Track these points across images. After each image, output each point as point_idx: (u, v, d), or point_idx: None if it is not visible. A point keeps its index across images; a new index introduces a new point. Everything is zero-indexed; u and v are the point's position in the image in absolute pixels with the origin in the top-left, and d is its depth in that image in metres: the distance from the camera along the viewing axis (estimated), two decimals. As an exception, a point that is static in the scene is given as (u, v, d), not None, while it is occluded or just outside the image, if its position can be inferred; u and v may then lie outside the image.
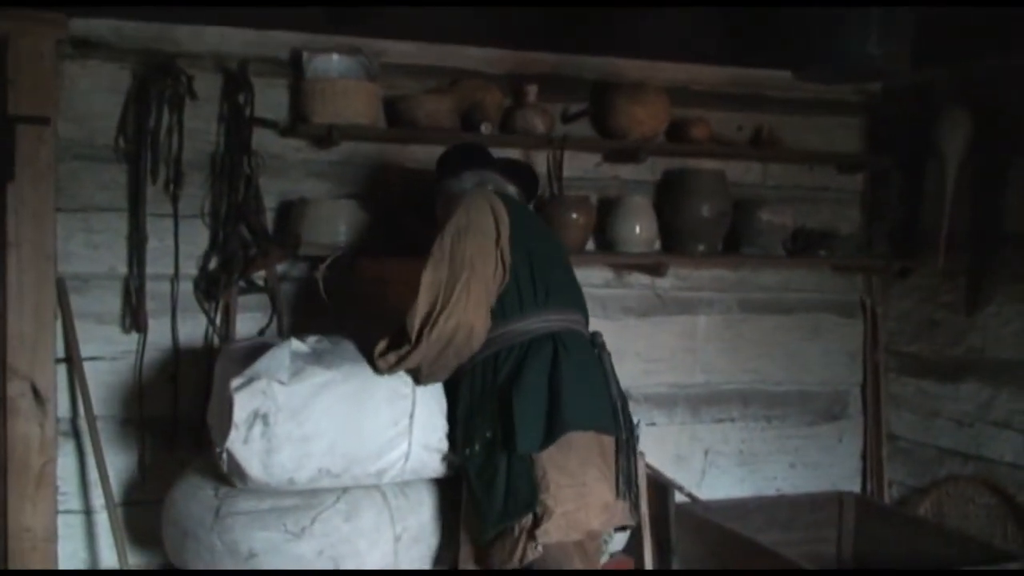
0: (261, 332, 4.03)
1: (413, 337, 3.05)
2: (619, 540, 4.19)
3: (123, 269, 3.94)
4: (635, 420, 3.22)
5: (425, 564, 3.30)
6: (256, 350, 3.20)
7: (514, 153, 4.39)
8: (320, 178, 4.17)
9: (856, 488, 5.05)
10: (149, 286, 3.94)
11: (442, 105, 4.11)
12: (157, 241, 3.94)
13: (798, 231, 4.70)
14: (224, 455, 3.02)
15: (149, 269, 3.93)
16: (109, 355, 3.96)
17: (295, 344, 3.24)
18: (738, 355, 4.87)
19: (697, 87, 4.68)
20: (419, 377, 3.17)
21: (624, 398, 3.19)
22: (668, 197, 4.55)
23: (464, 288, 3.02)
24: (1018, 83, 4.23)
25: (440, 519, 3.33)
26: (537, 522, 2.91)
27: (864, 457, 5.10)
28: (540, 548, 2.92)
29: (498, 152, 4.32)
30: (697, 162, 4.60)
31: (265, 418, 3.00)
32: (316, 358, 3.20)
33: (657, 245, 4.48)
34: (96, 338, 3.92)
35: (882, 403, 5.00)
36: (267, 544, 3.06)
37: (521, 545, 2.93)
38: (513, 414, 2.97)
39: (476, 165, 3.53)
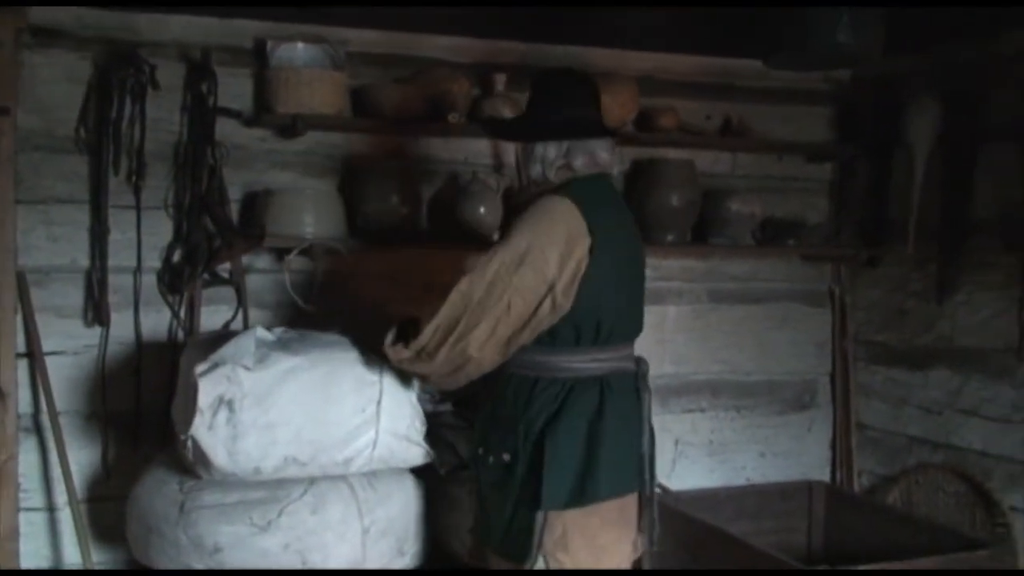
0: (226, 325, 3.99)
1: (424, 344, 2.88)
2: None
3: (85, 262, 3.88)
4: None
5: (394, 557, 3.28)
6: (221, 341, 3.17)
7: (482, 143, 4.38)
8: (285, 168, 4.13)
9: (826, 477, 5.06)
10: (111, 279, 3.88)
11: (409, 95, 4.08)
12: (119, 233, 3.89)
13: (767, 221, 4.70)
14: (189, 442, 2.99)
15: (111, 262, 3.87)
16: (71, 349, 3.91)
17: (261, 332, 3.22)
18: (707, 345, 4.86)
19: (666, 76, 4.66)
20: (429, 384, 3.11)
21: (653, 442, 3.02)
22: (637, 186, 4.53)
23: (490, 325, 2.80)
24: (986, 71, 4.24)
25: (408, 512, 3.31)
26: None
27: (833, 446, 5.11)
28: None
29: (466, 143, 4.34)
30: (666, 152, 4.59)
31: (230, 404, 2.97)
32: (282, 345, 3.17)
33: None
34: (58, 332, 3.87)
35: (851, 392, 5.01)
36: (233, 538, 3.04)
37: None
38: (543, 464, 2.77)
39: (583, 130, 2.96)
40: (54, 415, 3.76)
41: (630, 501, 2.95)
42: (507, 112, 4.18)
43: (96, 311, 3.87)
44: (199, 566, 3.07)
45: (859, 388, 5.00)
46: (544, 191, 2.93)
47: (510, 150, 4.29)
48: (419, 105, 4.10)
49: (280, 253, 4.05)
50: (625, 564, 2.96)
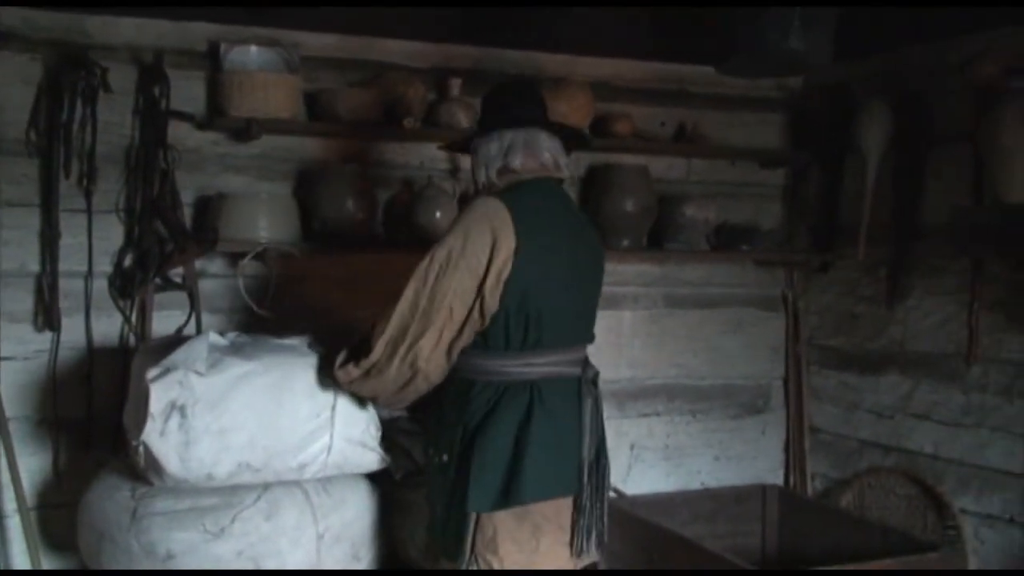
0: (179, 330, 3.95)
1: (376, 360, 2.89)
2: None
3: (35, 266, 3.84)
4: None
5: (349, 563, 3.26)
6: (174, 346, 3.14)
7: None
8: (239, 172, 4.10)
9: (779, 480, 5.09)
10: (62, 283, 3.83)
11: (364, 99, 4.07)
12: (70, 237, 3.84)
13: (721, 226, 4.73)
14: (140, 448, 2.96)
15: (62, 266, 3.82)
16: (21, 355, 3.86)
17: (213, 337, 3.19)
18: (663, 350, 4.88)
19: (620, 82, 4.68)
20: (379, 404, 3.14)
21: (599, 442, 2.98)
22: (592, 192, 4.55)
23: (436, 332, 2.83)
24: (936, 77, 4.29)
25: (364, 518, 3.30)
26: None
27: (787, 450, 5.14)
28: None
29: (421, 148, 4.33)
30: (621, 157, 4.60)
31: (182, 410, 2.94)
32: (235, 350, 3.15)
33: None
34: (7, 337, 3.82)
35: (804, 396, 5.04)
36: (185, 545, 3.01)
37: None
38: (470, 469, 2.79)
39: (510, 122, 3.00)
40: (3, 421, 3.70)
41: (565, 505, 2.92)
42: (462, 116, 4.18)
43: (47, 316, 3.83)
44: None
45: (812, 392, 5.04)
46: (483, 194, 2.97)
47: (465, 156, 4.27)
48: (374, 109, 4.09)
49: (234, 258, 4.02)
50: (563, 565, 2.92)
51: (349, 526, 3.24)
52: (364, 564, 3.33)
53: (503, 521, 2.81)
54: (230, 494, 3.09)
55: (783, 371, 5.13)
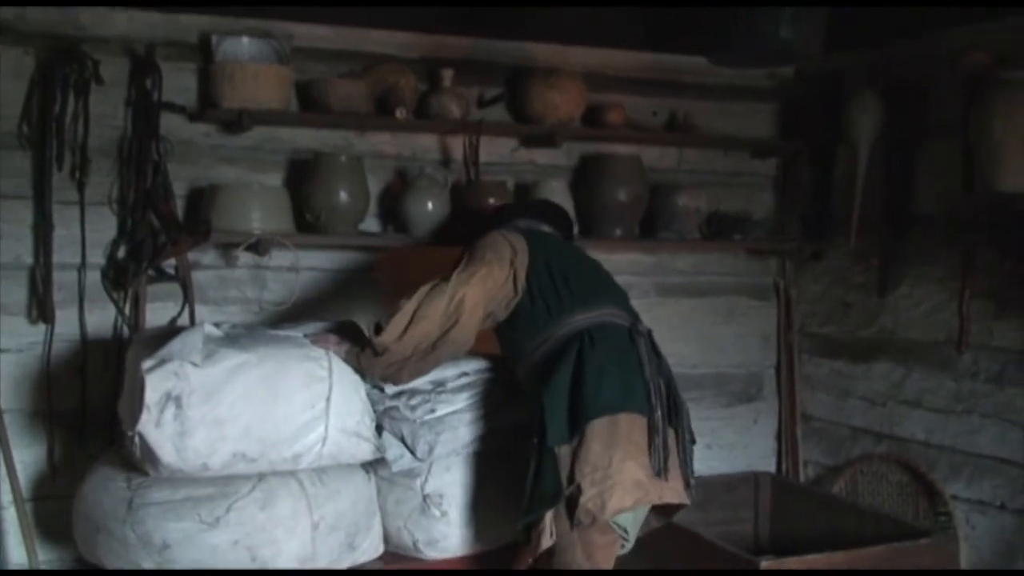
0: (173, 321, 3.95)
1: (417, 301, 3.10)
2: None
3: (28, 258, 3.84)
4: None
5: (344, 552, 3.27)
6: (168, 337, 3.14)
7: (430, 138, 4.39)
8: (231, 164, 4.11)
9: (771, 468, 5.11)
10: (56, 276, 3.84)
11: (356, 90, 4.07)
12: (63, 229, 3.85)
13: (713, 215, 4.74)
14: (136, 439, 2.96)
15: (55, 258, 3.83)
16: (15, 347, 3.87)
17: (208, 328, 3.19)
18: (655, 338, 4.88)
19: (612, 72, 4.69)
20: (402, 373, 3.24)
21: (668, 377, 3.17)
22: (584, 182, 4.56)
23: (479, 282, 3.12)
24: (927, 68, 4.30)
25: (358, 507, 3.30)
26: (569, 510, 2.95)
27: (779, 437, 5.16)
28: (553, 537, 2.96)
29: (414, 139, 4.34)
30: (613, 147, 4.61)
31: (178, 400, 2.94)
32: (230, 341, 3.15)
33: (575, 230, 4.48)
34: (2, 330, 3.83)
35: (796, 384, 5.07)
36: (181, 535, 3.01)
37: (546, 532, 2.98)
38: (544, 412, 2.99)
39: (506, 219, 3.54)
40: (-2, 413, 3.72)
41: (638, 424, 3.02)
42: (454, 107, 4.19)
43: (40, 308, 3.83)
44: (147, 563, 3.05)
45: (804, 380, 5.06)
46: None
47: (458, 146, 4.29)
48: (366, 100, 4.09)
49: (227, 249, 4.02)
50: (639, 485, 2.99)
51: (344, 515, 3.24)
52: (359, 552, 3.33)
53: (572, 449, 2.97)
54: (225, 484, 3.09)
55: (775, 359, 5.15)
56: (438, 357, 3.23)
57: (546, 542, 2.97)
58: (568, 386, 3.01)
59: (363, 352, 3.17)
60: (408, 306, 3.09)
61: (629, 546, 3.20)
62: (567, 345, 3.08)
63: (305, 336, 3.30)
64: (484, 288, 3.13)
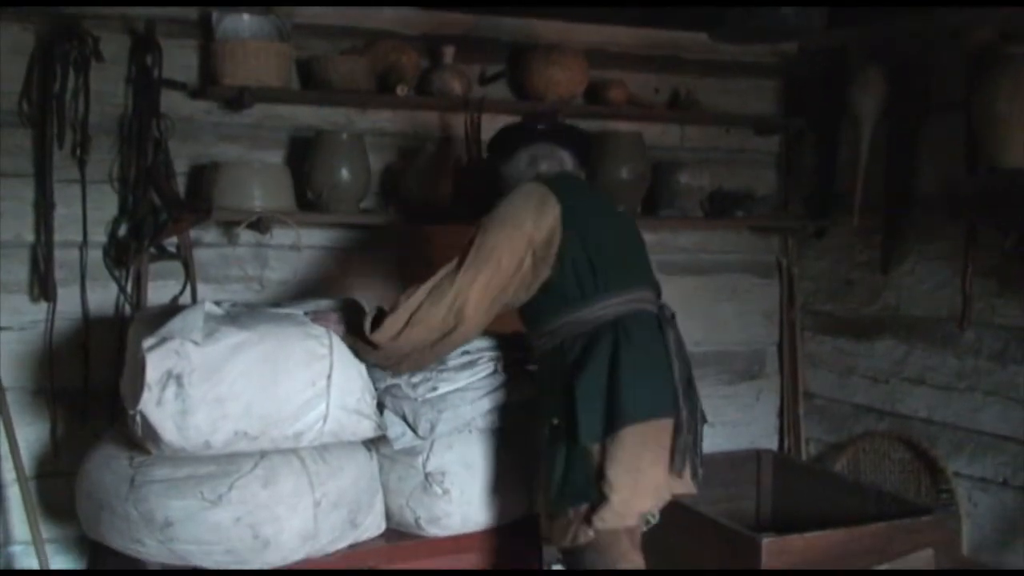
0: (174, 299, 3.95)
1: (416, 304, 3.09)
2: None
3: (30, 237, 3.83)
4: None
5: (345, 530, 3.28)
6: (169, 315, 3.14)
7: (431, 116, 4.37)
8: (232, 141, 4.09)
9: (774, 446, 5.12)
10: (57, 254, 3.83)
11: (357, 67, 4.05)
12: (64, 208, 3.83)
13: (715, 193, 4.72)
14: (137, 418, 2.96)
15: (57, 236, 3.82)
16: (17, 325, 3.86)
17: (209, 306, 3.19)
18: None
19: (614, 49, 4.67)
20: (406, 363, 3.26)
21: (688, 372, 3.19)
22: (587, 159, 4.53)
23: (485, 279, 3.08)
24: (931, 44, 4.28)
25: (360, 484, 3.31)
26: (593, 508, 3.01)
27: (781, 415, 5.16)
28: (592, 532, 3.02)
29: (415, 116, 4.33)
30: (615, 124, 4.59)
31: (179, 379, 2.94)
32: (231, 319, 3.15)
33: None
34: (3, 308, 3.82)
35: (798, 362, 5.06)
36: (183, 512, 3.02)
37: (574, 528, 3.05)
38: (575, 407, 3.00)
39: (525, 141, 3.47)
40: (1, 391, 3.71)
41: (664, 425, 3.09)
42: (456, 84, 4.17)
43: (42, 286, 3.83)
44: (150, 541, 3.06)
45: (806, 358, 5.06)
46: None
47: (460, 123, 4.28)
48: (367, 77, 4.07)
49: (228, 227, 4.02)
50: (662, 487, 3.10)
51: (346, 492, 3.25)
52: (361, 530, 3.34)
53: (606, 448, 3.01)
54: (227, 462, 3.09)
55: (778, 337, 5.15)
56: (437, 353, 3.26)
57: (583, 538, 3.03)
58: (604, 383, 3.02)
59: (359, 340, 3.18)
60: (406, 306, 3.10)
61: (655, 520, 3.23)
62: (599, 335, 3.07)
63: (306, 314, 3.30)
64: (487, 292, 3.10)
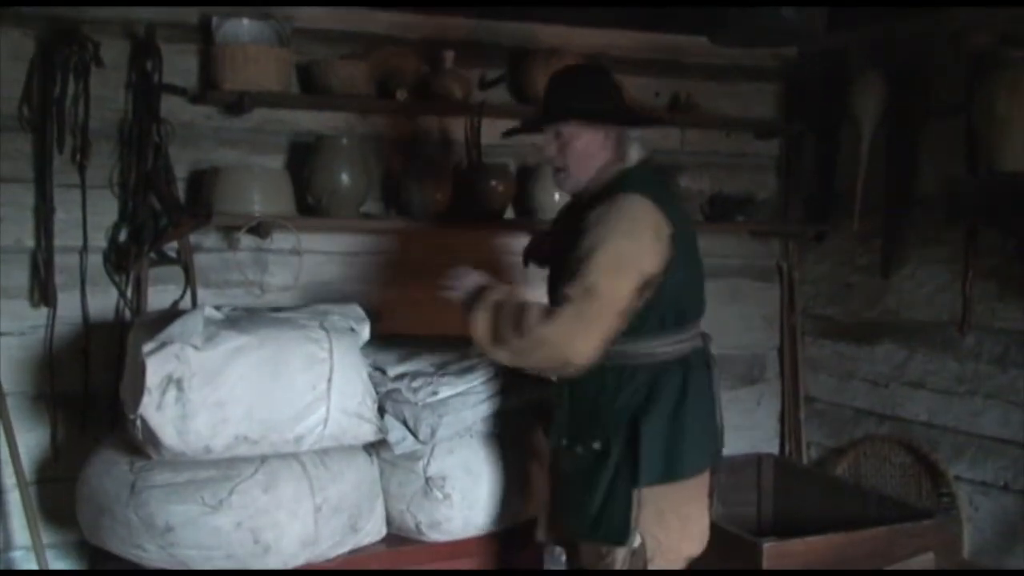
0: (174, 304, 3.95)
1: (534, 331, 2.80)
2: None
3: (30, 242, 3.83)
4: None
5: (346, 535, 3.28)
6: (169, 320, 3.14)
7: (431, 121, 4.37)
8: (232, 146, 4.09)
9: (775, 450, 5.12)
10: (57, 259, 3.83)
11: (357, 71, 4.05)
12: (64, 213, 3.83)
13: (716, 197, 4.72)
14: (138, 422, 2.96)
15: (57, 241, 3.82)
16: (17, 330, 3.86)
17: (209, 310, 3.19)
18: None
19: (614, 53, 4.66)
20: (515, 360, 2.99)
21: (721, 413, 3.12)
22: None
23: (601, 330, 2.78)
24: (931, 47, 4.28)
25: (361, 489, 3.31)
26: (642, 551, 2.92)
27: (782, 419, 5.16)
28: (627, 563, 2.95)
29: (415, 121, 4.33)
30: (615, 128, 4.58)
31: (179, 383, 2.95)
32: (231, 324, 3.15)
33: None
34: (4, 313, 3.82)
35: (799, 366, 5.06)
36: (184, 517, 3.02)
37: (608, 559, 2.95)
38: (639, 446, 2.87)
39: (615, 118, 3.04)
40: (1, 396, 3.70)
41: (707, 474, 3.08)
42: (456, 89, 4.17)
43: (42, 291, 3.82)
44: (151, 546, 3.06)
45: (807, 362, 5.06)
46: (610, 187, 2.96)
47: (458, 128, 4.27)
48: (367, 82, 4.08)
49: (228, 232, 4.02)
50: (706, 531, 3.08)
51: (346, 497, 3.25)
52: (362, 535, 3.34)
53: (664, 494, 2.91)
54: (228, 467, 3.10)
55: (778, 341, 5.14)
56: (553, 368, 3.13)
57: (620, 565, 2.94)
58: (668, 427, 2.90)
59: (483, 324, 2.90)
60: (528, 333, 2.80)
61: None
62: (668, 373, 2.93)
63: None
64: (604, 336, 2.81)
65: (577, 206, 3.10)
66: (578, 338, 2.78)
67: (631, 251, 2.82)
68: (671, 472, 2.91)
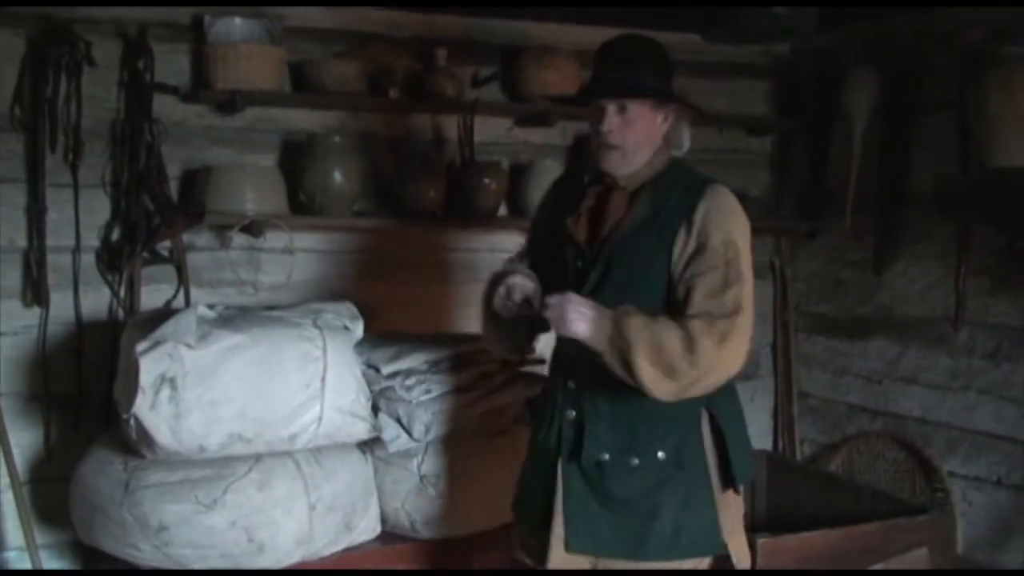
0: (168, 303, 3.95)
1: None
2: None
3: (22, 242, 3.82)
4: None
5: (341, 533, 3.28)
6: (163, 319, 3.14)
7: (424, 119, 4.37)
8: (224, 145, 4.09)
9: (768, 446, 5.12)
10: (50, 258, 3.82)
11: (349, 70, 4.05)
12: (57, 212, 3.83)
13: (708, 193, 4.71)
14: (131, 421, 2.97)
15: (49, 241, 3.81)
16: (10, 330, 3.85)
17: (202, 309, 3.20)
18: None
19: (607, 50, 4.66)
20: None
21: None
22: (580, 161, 4.54)
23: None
24: (923, 44, 4.29)
25: (355, 487, 3.31)
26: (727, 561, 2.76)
27: (776, 415, 5.16)
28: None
29: (408, 119, 4.33)
30: (607, 126, 4.58)
31: (172, 382, 2.95)
32: (224, 322, 3.15)
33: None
34: (-4, 313, 3.82)
35: (792, 362, 5.07)
36: (178, 516, 3.02)
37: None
38: (727, 445, 2.71)
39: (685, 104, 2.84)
40: (-6, 397, 3.72)
41: None
42: (448, 87, 4.16)
43: (35, 291, 3.82)
44: (145, 545, 3.06)
45: (800, 358, 5.06)
46: (671, 176, 2.82)
47: (452, 126, 4.27)
48: (359, 80, 4.07)
49: (221, 230, 4.01)
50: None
51: (341, 495, 3.26)
52: (357, 533, 3.35)
53: (737, 500, 2.83)
54: (222, 465, 3.10)
55: (771, 338, 5.15)
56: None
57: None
58: (741, 420, 2.84)
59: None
60: (701, 362, 2.58)
61: None
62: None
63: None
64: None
65: (601, 189, 2.80)
66: (741, 354, 2.66)
67: (748, 250, 2.72)
68: (751, 469, 2.83)
